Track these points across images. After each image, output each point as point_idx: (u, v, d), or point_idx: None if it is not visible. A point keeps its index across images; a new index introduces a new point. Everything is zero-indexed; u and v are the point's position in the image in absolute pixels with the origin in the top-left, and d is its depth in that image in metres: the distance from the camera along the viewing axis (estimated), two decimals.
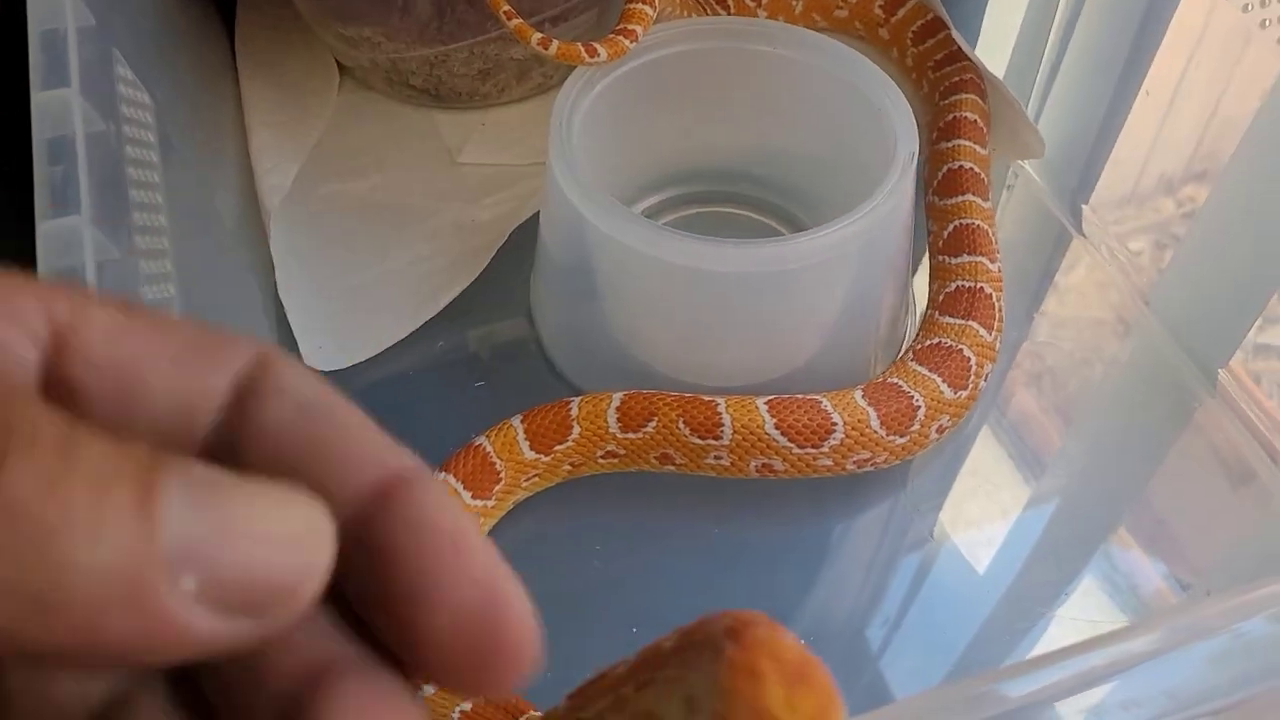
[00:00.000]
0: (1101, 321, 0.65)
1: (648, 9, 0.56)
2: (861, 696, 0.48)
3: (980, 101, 0.64)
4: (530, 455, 0.49)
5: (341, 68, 0.70)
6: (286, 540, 0.14)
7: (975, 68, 0.65)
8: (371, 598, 0.16)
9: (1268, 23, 0.55)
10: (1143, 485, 0.57)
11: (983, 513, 0.55)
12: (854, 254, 0.49)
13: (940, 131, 0.63)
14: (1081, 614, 0.51)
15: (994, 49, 0.74)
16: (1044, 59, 0.71)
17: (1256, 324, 0.58)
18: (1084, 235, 0.68)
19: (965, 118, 0.62)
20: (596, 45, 0.54)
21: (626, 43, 0.54)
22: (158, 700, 0.17)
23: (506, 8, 0.54)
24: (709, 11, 0.68)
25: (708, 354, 0.53)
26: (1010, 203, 0.70)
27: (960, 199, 0.58)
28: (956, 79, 0.64)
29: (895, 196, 0.49)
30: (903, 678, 0.49)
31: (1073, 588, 0.52)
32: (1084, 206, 0.68)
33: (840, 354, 0.53)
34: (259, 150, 0.62)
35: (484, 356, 0.58)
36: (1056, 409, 0.61)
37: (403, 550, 0.16)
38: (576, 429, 0.49)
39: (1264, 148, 0.57)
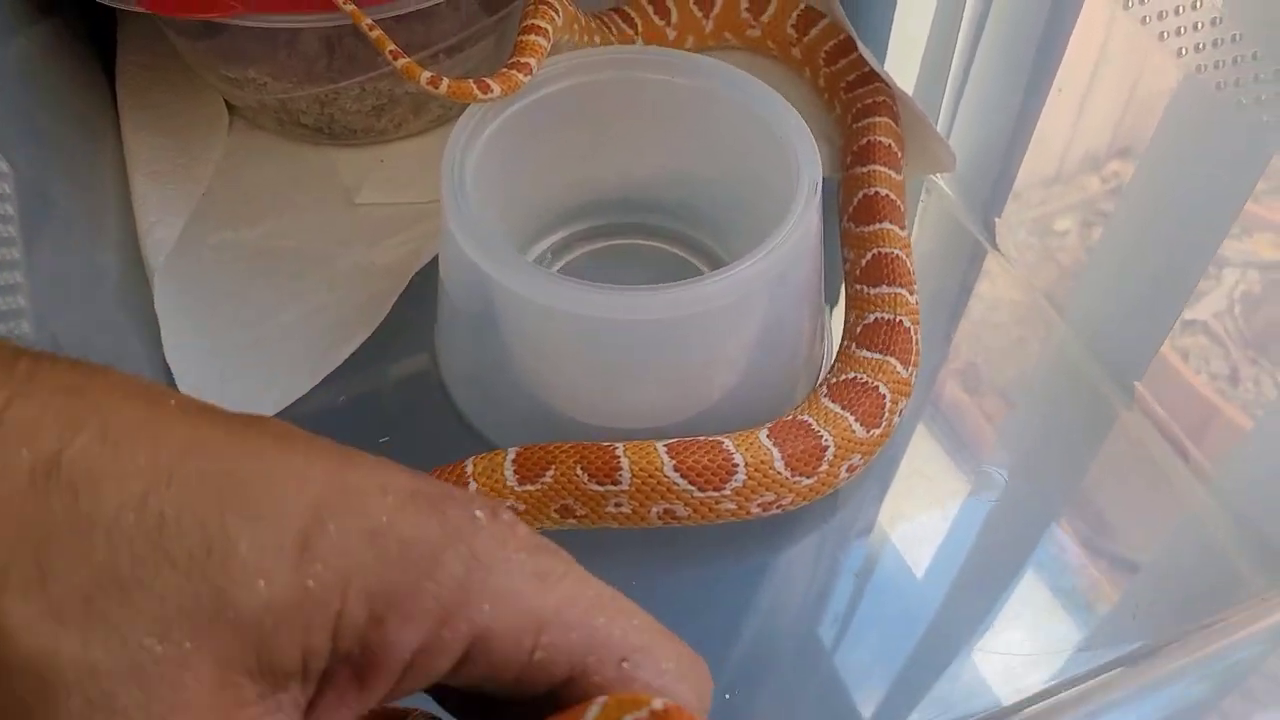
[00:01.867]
0: (1018, 336, 0.65)
1: (541, 40, 0.54)
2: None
3: (894, 124, 0.63)
4: None
5: (230, 107, 0.67)
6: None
7: (888, 89, 0.64)
8: None
9: (1166, 35, 0.54)
10: (1069, 492, 0.57)
11: (920, 512, 0.55)
12: (761, 291, 0.48)
13: (855, 156, 0.62)
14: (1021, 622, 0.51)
15: (902, 63, 0.74)
16: (951, 73, 0.70)
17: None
18: (997, 249, 0.68)
19: (879, 142, 0.61)
20: (489, 81, 0.52)
21: (521, 77, 0.53)
22: None
23: (392, 47, 0.52)
24: (614, 32, 0.66)
25: (617, 399, 0.51)
26: (924, 218, 0.70)
27: (877, 227, 0.57)
28: (869, 101, 0.63)
29: (801, 229, 0.48)
30: (853, 678, 0.49)
31: (1012, 589, 0.52)
32: (996, 220, 0.68)
33: (755, 389, 0.52)
34: (142, 203, 0.59)
35: (390, 409, 0.56)
36: (979, 427, 0.60)
37: None
38: (474, 486, 0.47)
39: (1166, 163, 0.57)
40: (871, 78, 0.64)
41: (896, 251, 0.57)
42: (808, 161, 0.51)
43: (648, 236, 0.62)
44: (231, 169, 0.64)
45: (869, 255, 0.57)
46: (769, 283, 0.48)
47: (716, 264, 0.60)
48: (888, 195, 0.59)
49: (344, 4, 0.51)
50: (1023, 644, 0.50)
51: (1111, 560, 0.54)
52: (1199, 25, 0.52)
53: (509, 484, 0.47)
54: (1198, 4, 0.52)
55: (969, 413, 0.60)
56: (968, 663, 0.49)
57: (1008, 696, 0.48)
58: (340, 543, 0.20)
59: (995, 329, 0.65)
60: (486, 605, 0.21)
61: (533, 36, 0.54)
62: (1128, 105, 0.67)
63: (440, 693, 0.24)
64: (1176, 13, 0.53)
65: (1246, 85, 0.50)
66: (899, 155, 0.62)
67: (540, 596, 0.22)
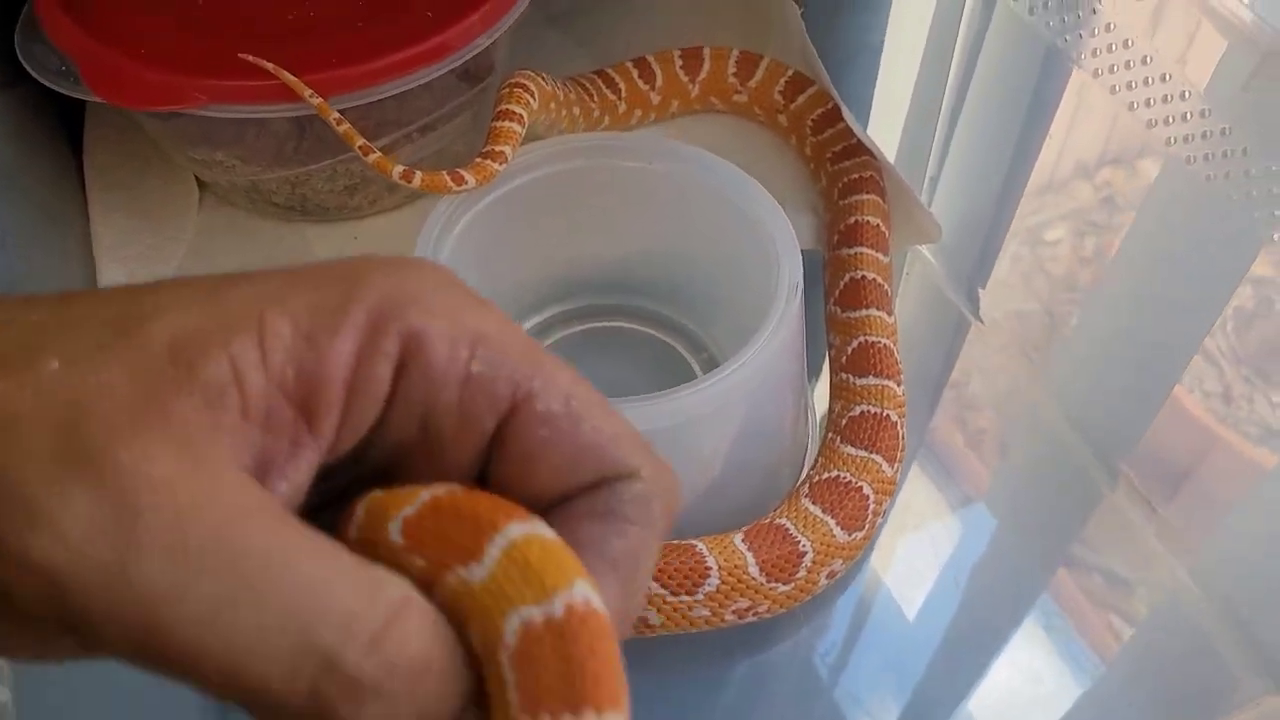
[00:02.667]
0: (1001, 410, 0.64)
1: (515, 126, 0.53)
2: None
3: (881, 202, 0.62)
4: None
5: (201, 183, 0.65)
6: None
7: (874, 162, 0.63)
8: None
9: (1135, 105, 0.54)
10: (1049, 573, 0.56)
11: (900, 593, 0.54)
12: (740, 400, 0.47)
13: (841, 235, 0.60)
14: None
15: (885, 131, 0.73)
16: (935, 141, 0.70)
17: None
18: (980, 320, 0.67)
19: (867, 222, 0.60)
20: (463, 172, 0.51)
21: (495, 166, 0.51)
22: None
23: (362, 142, 0.51)
24: (594, 98, 0.65)
25: None
26: (908, 288, 0.69)
27: (864, 314, 0.56)
28: (856, 176, 0.62)
29: (782, 333, 0.47)
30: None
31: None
32: (980, 290, 0.67)
33: (736, 485, 0.51)
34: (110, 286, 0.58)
35: None
36: (964, 493, 0.59)
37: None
38: None
39: (1150, 247, 0.56)
40: (858, 149, 0.63)
41: (884, 341, 0.55)
42: (788, 256, 0.49)
43: (627, 319, 0.61)
44: (203, 247, 0.63)
45: (855, 343, 0.56)
46: (749, 390, 0.47)
47: (697, 347, 0.59)
48: (874, 280, 0.58)
49: (310, 98, 0.50)
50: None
51: (1093, 642, 0.53)
52: (1188, 115, 0.51)
53: None
54: (1186, 94, 0.51)
55: (947, 487, 0.59)
56: None
57: None
58: (259, 280, 0.21)
59: (978, 402, 0.64)
60: (417, 311, 0.21)
61: (507, 123, 0.53)
62: (1110, 163, 0.66)
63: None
64: (1164, 100, 0.52)
65: (1237, 180, 0.49)
66: (887, 236, 0.61)
67: (477, 313, 0.22)
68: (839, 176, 0.64)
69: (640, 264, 0.59)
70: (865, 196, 0.61)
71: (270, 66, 0.51)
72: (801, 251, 0.50)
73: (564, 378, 0.22)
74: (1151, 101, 0.52)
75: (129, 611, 0.17)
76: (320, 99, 0.50)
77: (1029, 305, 0.68)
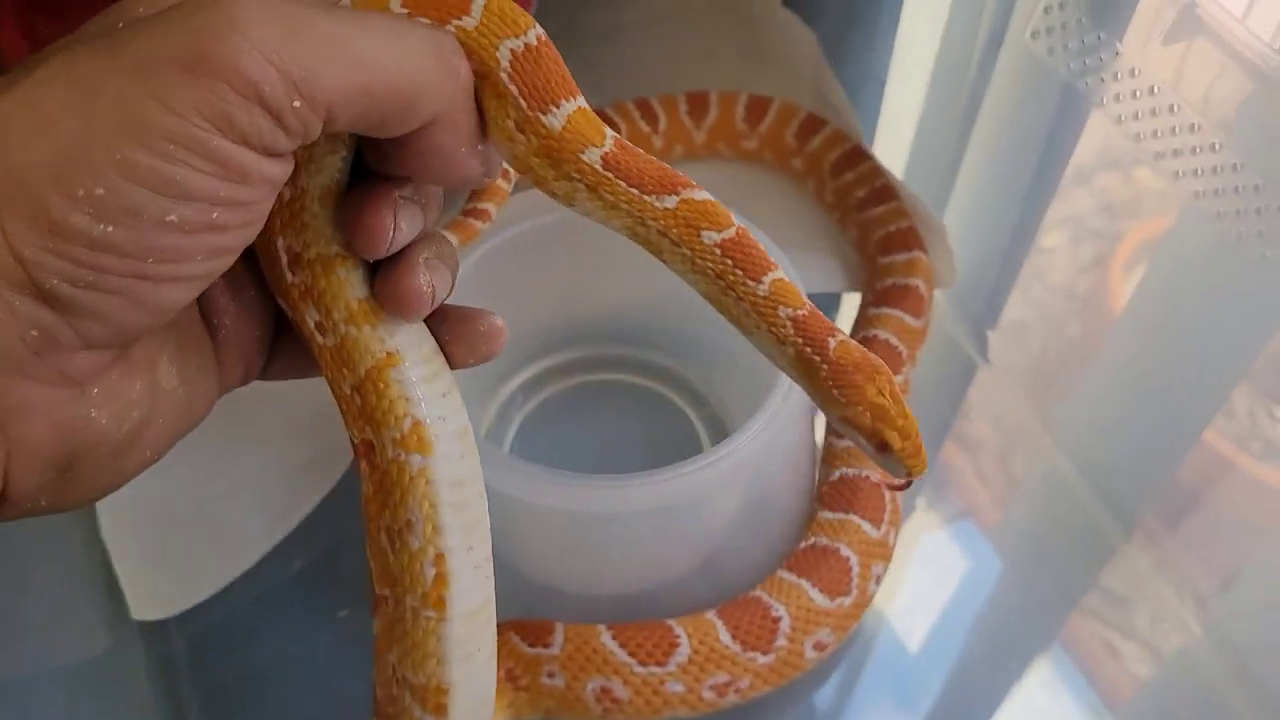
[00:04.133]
0: (1011, 455, 0.61)
1: (501, 183, 0.51)
2: None
3: (924, 259, 0.59)
4: None
5: None
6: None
7: (906, 210, 0.60)
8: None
9: (1161, 155, 0.51)
10: (1059, 621, 0.54)
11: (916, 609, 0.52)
12: (749, 472, 0.44)
13: (877, 295, 0.58)
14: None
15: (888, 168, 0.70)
16: (941, 182, 0.67)
17: None
18: (989, 362, 0.64)
19: (907, 285, 0.57)
20: (445, 233, 0.48)
21: (479, 225, 0.49)
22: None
23: None
24: None
25: (587, 573, 0.48)
26: None
27: None
28: (894, 228, 0.59)
29: (794, 396, 0.44)
30: None
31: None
32: (989, 333, 0.65)
33: (735, 562, 0.49)
34: None
35: (348, 576, 0.52)
36: (968, 545, 0.57)
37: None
38: None
39: (1164, 295, 0.54)
40: (885, 193, 0.60)
41: None
42: None
43: (626, 371, 0.58)
44: None
45: None
46: (760, 460, 0.44)
47: (699, 401, 0.57)
48: (886, 340, 0.55)
49: None
50: None
51: (1104, 692, 0.51)
52: (1197, 149, 0.49)
53: None
54: (1196, 127, 0.49)
55: (950, 540, 0.57)
56: None
57: None
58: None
59: (985, 447, 0.62)
60: None
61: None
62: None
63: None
64: (1172, 132, 0.50)
65: (1248, 217, 0.47)
66: (924, 298, 0.58)
67: None
68: (871, 227, 0.61)
69: (640, 314, 0.57)
70: (904, 256, 0.58)
71: None
72: (824, 295, 0.47)
73: None
74: (1179, 152, 0.49)
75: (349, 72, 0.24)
76: None
77: (1037, 345, 0.66)
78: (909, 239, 0.59)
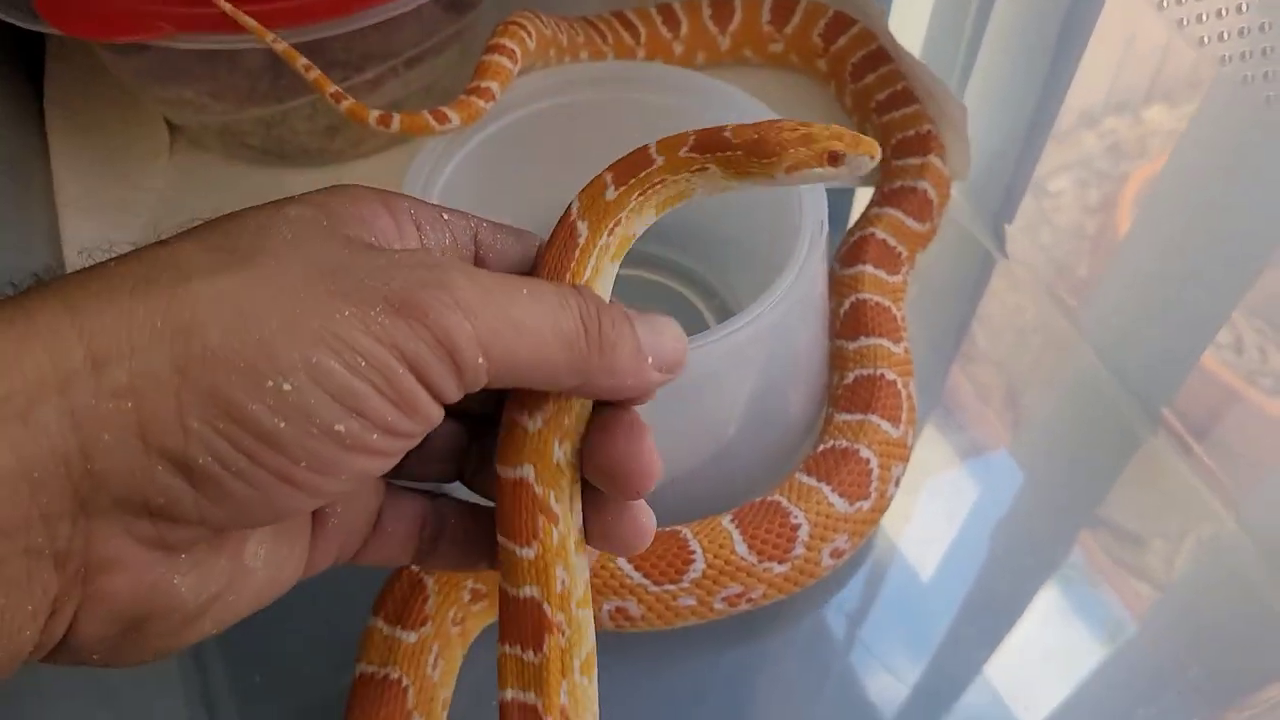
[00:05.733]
0: (1032, 352, 0.60)
1: (505, 61, 0.49)
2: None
3: (939, 167, 0.58)
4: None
5: (172, 127, 0.61)
6: (673, 334, 0.29)
7: (924, 114, 0.58)
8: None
9: (1185, 22, 0.49)
10: (1084, 521, 0.53)
11: (910, 549, 0.50)
12: (755, 356, 0.43)
13: (884, 196, 0.57)
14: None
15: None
16: (958, 70, 0.65)
17: None
18: (1007, 257, 0.63)
19: (914, 188, 0.56)
20: (447, 110, 0.46)
21: (482, 104, 0.47)
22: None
23: (334, 89, 0.46)
24: (609, 41, 0.60)
25: None
26: None
27: (857, 270, 0.52)
28: (911, 133, 0.58)
29: (806, 275, 0.43)
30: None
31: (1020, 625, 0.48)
32: (1007, 226, 0.63)
33: (749, 455, 0.47)
34: (73, 241, 0.54)
35: None
36: (989, 441, 0.56)
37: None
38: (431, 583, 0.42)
39: (1193, 169, 0.52)
40: (904, 97, 0.59)
41: (876, 298, 0.51)
42: (811, 195, 0.45)
43: (634, 266, 0.57)
44: (175, 198, 0.58)
45: (847, 304, 0.51)
46: (770, 341, 0.43)
47: (709, 294, 0.55)
48: (880, 238, 0.53)
49: (273, 43, 0.45)
50: (1034, 695, 0.46)
51: (1131, 592, 0.50)
52: (1223, 12, 0.47)
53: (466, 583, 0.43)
54: (1243, 7, 0.47)
55: (971, 435, 0.55)
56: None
57: None
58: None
59: (1006, 344, 0.60)
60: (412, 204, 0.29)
61: (496, 57, 0.48)
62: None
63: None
64: (1218, 15, 0.48)
65: (1277, 80, 0.45)
66: (933, 203, 0.56)
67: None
68: (889, 131, 0.59)
69: None
70: (918, 160, 0.57)
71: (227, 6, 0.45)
72: (835, 191, 0.46)
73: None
74: (1204, 17, 0.47)
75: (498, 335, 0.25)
76: (284, 44, 0.45)
77: (1056, 239, 0.64)
78: (926, 143, 0.57)
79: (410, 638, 0.40)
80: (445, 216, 0.29)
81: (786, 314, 0.42)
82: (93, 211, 0.56)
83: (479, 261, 0.30)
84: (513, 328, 0.26)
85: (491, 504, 0.32)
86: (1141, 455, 0.55)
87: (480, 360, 0.25)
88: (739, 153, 0.30)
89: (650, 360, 0.28)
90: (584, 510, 0.30)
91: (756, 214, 0.50)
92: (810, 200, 0.45)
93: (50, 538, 0.23)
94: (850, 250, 0.53)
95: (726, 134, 0.30)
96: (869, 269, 0.52)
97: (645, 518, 0.31)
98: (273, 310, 0.23)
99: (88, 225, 0.55)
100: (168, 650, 0.27)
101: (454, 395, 0.26)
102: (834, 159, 0.30)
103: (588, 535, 0.30)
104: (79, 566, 0.24)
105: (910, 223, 0.55)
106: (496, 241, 0.30)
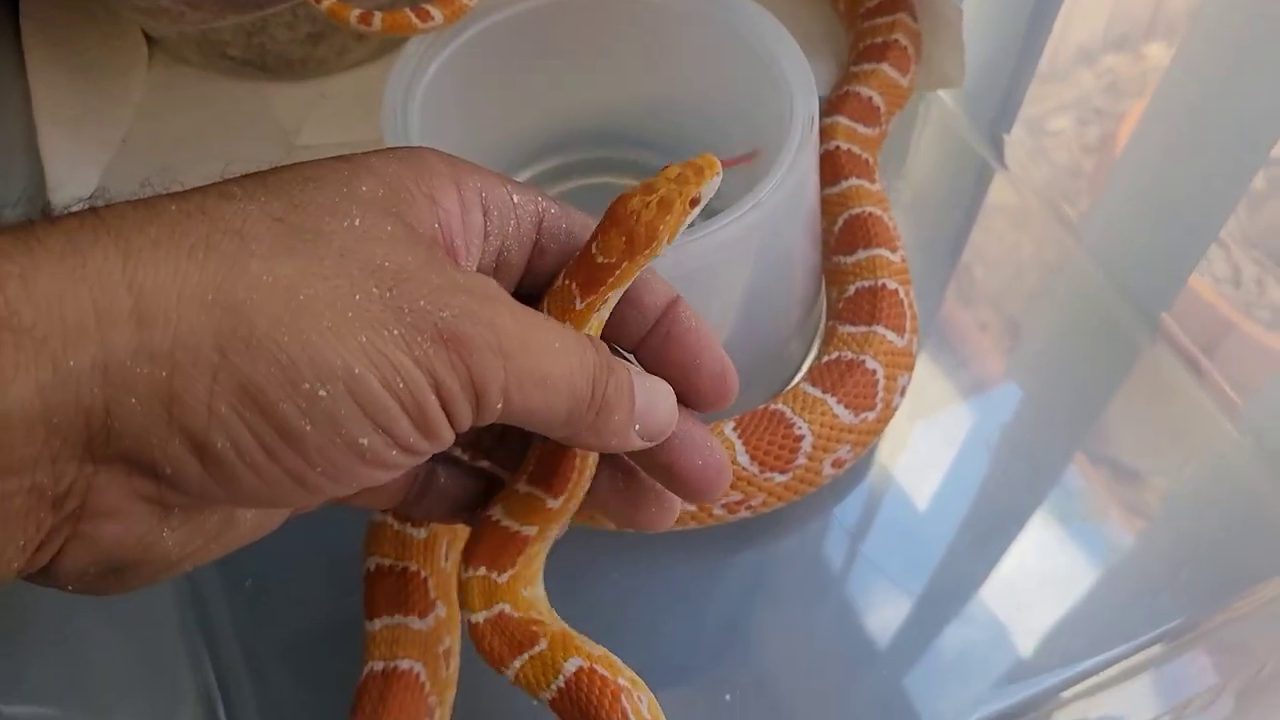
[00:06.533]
0: (1029, 263, 0.59)
1: None
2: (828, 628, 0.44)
3: (893, 76, 0.56)
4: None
5: (150, 39, 0.59)
6: (667, 407, 0.29)
7: (905, 22, 0.57)
8: (663, 370, 0.31)
9: None
10: (1083, 431, 0.52)
11: (912, 462, 0.50)
12: (747, 251, 0.42)
13: (860, 54, 0.56)
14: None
15: None
16: None
17: None
18: (1006, 167, 0.62)
19: (858, 93, 0.55)
20: (429, 8, 0.45)
21: (467, 0, 0.46)
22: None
23: None
24: None
25: None
26: (924, 137, 0.63)
27: (845, 186, 0.51)
28: (880, 40, 0.57)
29: (795, 175, 0.42)
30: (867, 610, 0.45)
31: (1019, 537, 0.48)
32: (1005, 136, 0.62)
33: (745, 354, 0.46)
34: (52, 156, 0.53)
35: None
36: (988, 354, 0.55)
37: (681, 339, 0.31)
38: None
39: (1195, 70, 0.51)
40: (895, 4, 0.57)
41: (869, 210, 0.50)
42: (802, 91, 0.44)
43: (622, 173, 0.56)
44: (153, 111, 0.57)
45: (841, 220, 0.51)
46: (764, 233, 0.42)
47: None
48: (849, 150, 0.52)
49: None
50: (1029, 610, 0.45)
51: (1130, 505, 0.50)
52: None
53: None
54: None
55: (970, 348, 0.55)
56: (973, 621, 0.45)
57: (1016, 667, 0.44)
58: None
59: (1004, 257, 0.59)
60: (469, 173, 0.28)
61: None
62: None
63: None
64: None
65: None
66: (879, 109, 0.55)
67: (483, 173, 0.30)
68: (862, 37, 0.58)
69: (637, 112, 0.54)
70: (872, 66, 0.56)
71: None
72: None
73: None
74: None
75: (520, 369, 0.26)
76: None
77: (1054, 148, 0.63)
78: (891, 51, 0.57)
79: (420, 534, 0.40)
80: (515, 199, 0.29)
81: (779, 207, 0.41)
82: (71, 126, 0.54)
83: (538, 248, 0.30)
84: (537, 381, 0.26)
85: (482, 466, 0.34)
86: (1141, 368, 0.54)
87: (498, 405, 0.26)
88: (623, 264, 0.29)
89: (637, 428, 0.29)
90: (614, 495, 0.33)
91: (744, 113, 0.48)
92: (800, 96, 0.44)
93: (55, 479, 0.22)
94: (826, 170, 0.52)
95: (599, 260, 0.29)
96: (855, 182, 0.52)
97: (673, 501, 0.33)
98: (326, 311, 0.23)
99: (67, 141, 0.54)
100: (142, 586, 0.27)
101: (464, 427, 0.26)
102: (695, 202, 0.30)
103: (615, 515, 0.33)
104: (75, 509, 0.23)
105: (893, 74, 0.55)
106: (559, 228, 0.30)
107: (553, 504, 0.32)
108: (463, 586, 0.33)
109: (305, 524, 0.46)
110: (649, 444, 0.29)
